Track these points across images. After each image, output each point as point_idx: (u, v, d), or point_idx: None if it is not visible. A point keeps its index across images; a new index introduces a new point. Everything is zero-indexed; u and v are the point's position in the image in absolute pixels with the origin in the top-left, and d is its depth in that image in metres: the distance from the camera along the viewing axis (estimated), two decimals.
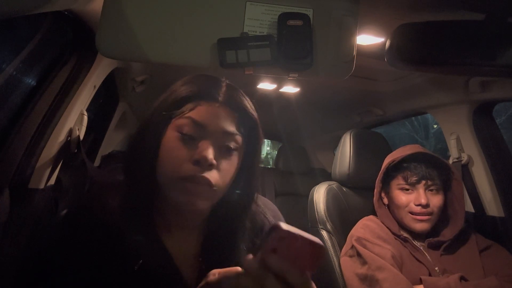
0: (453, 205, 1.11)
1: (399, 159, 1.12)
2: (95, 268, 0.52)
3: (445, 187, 1.11)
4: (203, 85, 0.57)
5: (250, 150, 0.59)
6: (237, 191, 0.58)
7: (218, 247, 0.58)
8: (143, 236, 0.54)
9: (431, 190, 1.08)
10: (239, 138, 0.56)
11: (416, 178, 1.08)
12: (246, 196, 0.61)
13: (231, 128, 0.55)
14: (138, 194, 0.55)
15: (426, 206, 1.05)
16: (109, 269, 0.52)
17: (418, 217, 1.06)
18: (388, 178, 1.16)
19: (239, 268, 0.41)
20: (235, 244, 0.59)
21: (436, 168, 1.09)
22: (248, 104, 0.59)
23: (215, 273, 0.43)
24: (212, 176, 0.52)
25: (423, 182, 1.07)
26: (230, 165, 0.56)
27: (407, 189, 1.09)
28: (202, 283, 0.45)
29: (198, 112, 0.54)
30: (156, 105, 0.58)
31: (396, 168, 1.13)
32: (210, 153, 0.52)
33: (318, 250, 0.37)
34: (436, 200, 1.07)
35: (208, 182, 0.52)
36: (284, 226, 0.37)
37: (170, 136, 0.54)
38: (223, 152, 0.55)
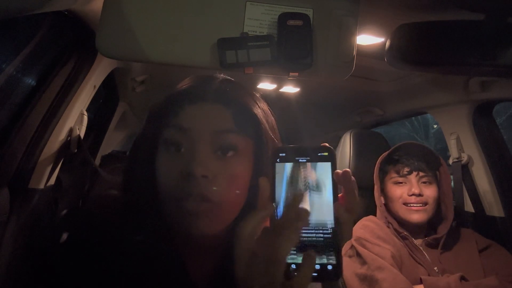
0: (443, 198, 1.13)
1: (390, 151, 1.16)
2: (95, 268, 0.52)
3: (437, 180, 1.13)
4: (190, 87, 0.50)
5: (258, 152, 0.50)
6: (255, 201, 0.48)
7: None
8: (145, 238, 0.53)
9: (424, 182, 1.10)
10: (235, 136, 0.47)
11: (408, 170, 1.10)
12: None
13: (222, 126, 0.46)
14: (140, 209, 0.52)
15: (419, 195, 1.07)
16: (108, 269, 0.52)
17: (413, 208, 1.07)
18: (382, 176, 1.19)
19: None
20: None
21: (426, 159, 1.12)
22: (249, 99, 0.51)
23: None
24: (209, 189, 0.43)
25: (415, 173, 1.10)
26: (231, 170, 0.46)
27: (400, 182, 1.12)
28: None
29: (181, 116, 0.46)
30: (150, 117, 0.52)
31: (388, 163, 1.17)
32: (198, 163, 0.43)
33: None
34: (429, 191, 1.08)
35: (205, 199, 0.43)
36: None
37: (160, 149, 0.47)
38: (218, 156, 0.46)
